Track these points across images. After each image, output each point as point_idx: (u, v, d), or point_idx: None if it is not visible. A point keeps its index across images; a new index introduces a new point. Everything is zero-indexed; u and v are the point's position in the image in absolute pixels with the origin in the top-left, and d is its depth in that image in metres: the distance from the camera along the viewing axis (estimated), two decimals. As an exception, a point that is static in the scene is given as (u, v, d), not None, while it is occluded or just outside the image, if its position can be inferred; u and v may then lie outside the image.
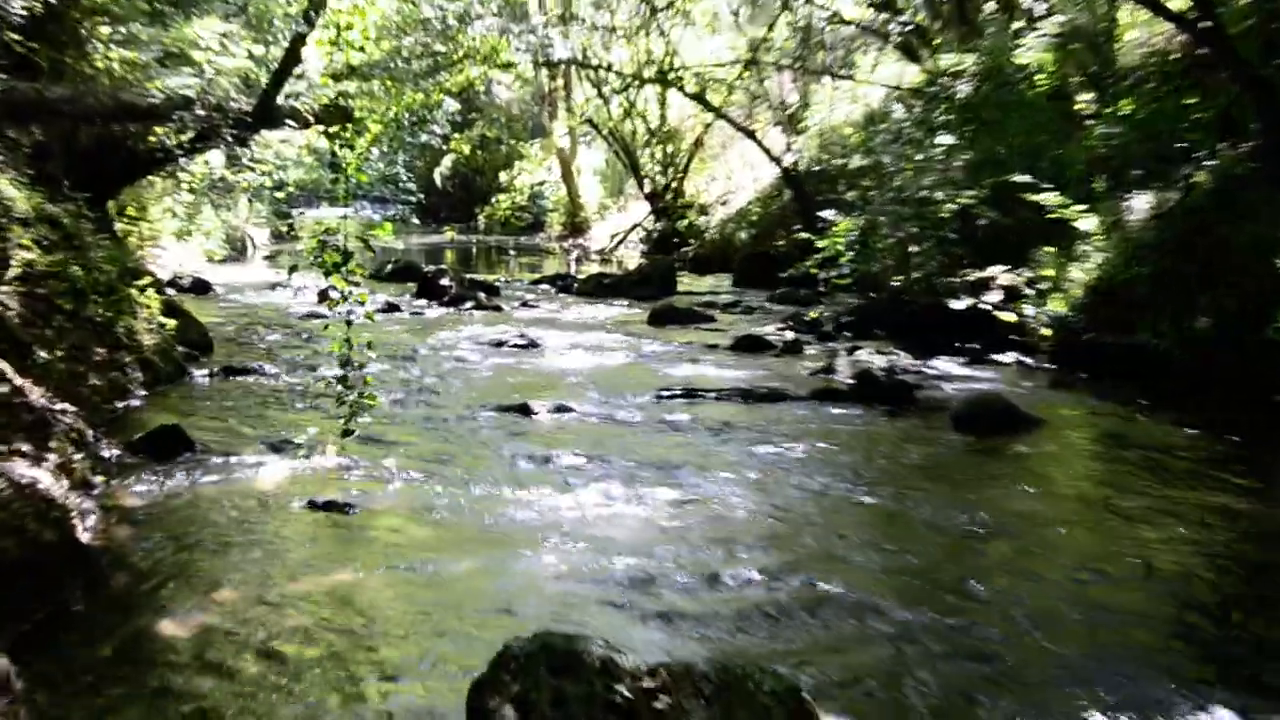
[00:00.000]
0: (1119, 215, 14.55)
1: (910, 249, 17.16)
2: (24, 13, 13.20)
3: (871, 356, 14.82)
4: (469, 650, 6.16)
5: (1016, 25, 18.45)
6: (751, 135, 30.47)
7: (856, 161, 23.66)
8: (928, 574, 7.48)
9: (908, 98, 22.24)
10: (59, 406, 8.36)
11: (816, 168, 27.96)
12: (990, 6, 20.51)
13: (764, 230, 29.16)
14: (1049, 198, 15.04)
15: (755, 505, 8.97)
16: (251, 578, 7.19)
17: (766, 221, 29.53)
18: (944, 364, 14.79)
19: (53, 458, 7.41)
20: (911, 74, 24.74)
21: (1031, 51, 17.62)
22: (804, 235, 19.75)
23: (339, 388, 9.97)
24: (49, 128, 14.75)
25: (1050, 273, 15.09)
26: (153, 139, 16.94)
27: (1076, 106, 17.22)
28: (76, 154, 15.79)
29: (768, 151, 29.38)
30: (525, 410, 12.05)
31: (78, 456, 7.85)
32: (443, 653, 6.25)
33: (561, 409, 12.15)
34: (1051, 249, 15.23)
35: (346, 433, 9.84)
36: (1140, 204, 14.41)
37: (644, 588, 7.15)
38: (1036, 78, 17.52)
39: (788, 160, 28.55)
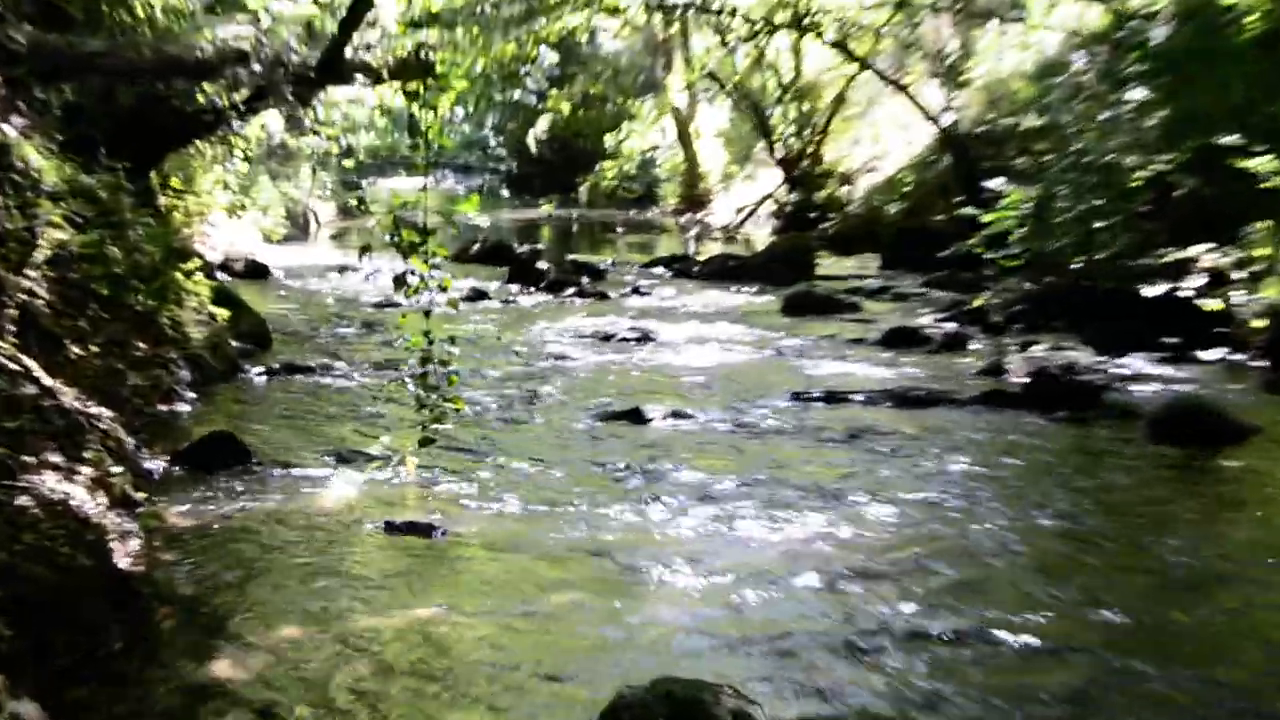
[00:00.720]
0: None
1: (1094, 225, 16.94)
2: (55, -46, 13.36)
3: (1048, 352, 14.67)
4: (575, 700, 6.13)
5: (1224, -44, 18.13)
6: (903, 90, 30.28)
7: (1029, 121, 23.41)
8: (1135, 623, 7.29)
9: (1090, 44, 21.97)
10: (94, 410, 8.43)
11: (981, 128, 27.73)
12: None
13: (918, 202, 28.96)
14: (1263, 163, 14.76)
15: (912, 532, 8.85)
16: (318, 613, 7.20)
17: (921, 192, 29.32)
18: (1135, 362, 14.59)
19: (87, 470, 7.46)
20: (1095, 16, 24.44)
21: (1242, -13, 17.33)
22: (966, 209, 19.59)
23: (418, 390, 9.99)
24: (82, 86, 14.91)
25: (1264, 253, 14.81)
26: (201, 98, 17.07)
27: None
28: (114, 117, 15.95)
29: (923, 109, 29.19)
30: (637, 417, 12.04)
31: (116, 469, 7.90)
32: (544, 703, 6.22)
33: (680, 415, 12.12)
34: (1266, 225, 14.95)
35: (426, 441, 9.84)
36: (1375, 170, 14.13)
37: (780, 631, 7.06)
38: (1247, 20, 17.21)
39: (946, 120, 28.33)
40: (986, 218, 18.13)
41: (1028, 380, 13.37)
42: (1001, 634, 7.01)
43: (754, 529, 8.83)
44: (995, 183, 19.19)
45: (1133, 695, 6.33)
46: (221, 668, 6.48)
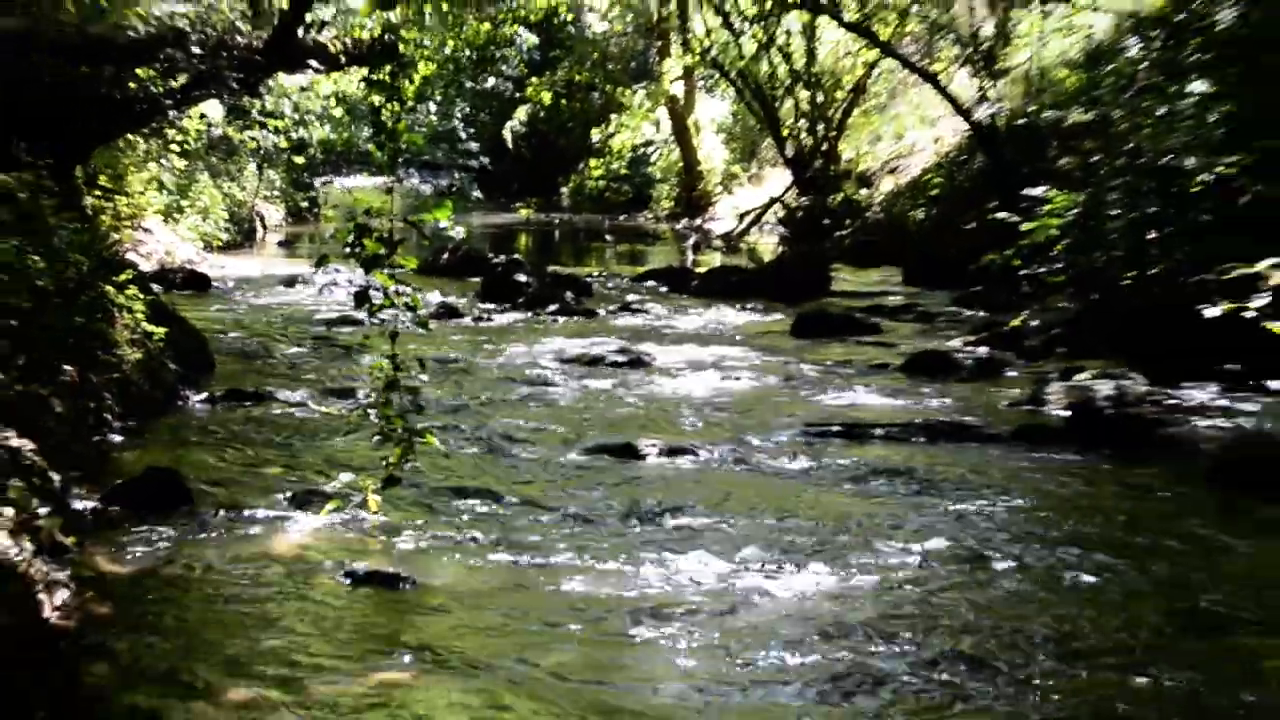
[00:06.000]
0: None
1: (1149, 235, 16.98)
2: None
3: (1094, 381, 14.70)
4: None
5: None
6: (932, 79, 30.33)
7: (1075, 116, 23.47)
8: (1175, 687, 7.37)
9: (1147, 29, 22.07)
10: (15, 443, 8.50)
11: (1020, 123, 27.79)
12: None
13: (948, 208, 29.02)
14: (1342, 166, 14.84)
15: (941, 584, 8.91)
16: (272, 676, 7.23)
17: (951, 197, 29.40)
18: (1194, 392, 14.64)
19: (9, 512, 7.52)
20: (1152, -4, 24.56)
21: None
22: (1003, 215, 19.64)
23: (382, 421, 10.05)
24: (-3, 70, 14.95)
25: (1342, 268, 14.88)
26: (133, 85, 17.08)
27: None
28: (33, 106, 15.97)
29: (953, 101, 29.23)
30: (629, 452, 12.11)
31: (42, 510, 7.96)
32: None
33: (678, 451, 12.19)
34: (1344, 236, 15.02)
35: (392, 481, 9.90)
36: None
37: (793, 697, 7.14)
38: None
39: (981, 113, 28.37)
40: (1026, 226, 18.16)
41: (1070, 413, 13.45)
42: (1036, 699, 7.09)
43: (758, 581, 8.88)
44: (1036, 187, 19.22)
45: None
46: (162, 739, 6.53)
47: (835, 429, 13.09)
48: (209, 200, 30.66)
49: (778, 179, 38.27)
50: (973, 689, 7.21)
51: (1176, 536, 10.00)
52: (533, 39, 38.22)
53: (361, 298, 9.94)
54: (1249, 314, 15.24)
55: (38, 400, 10.82)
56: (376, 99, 11.18)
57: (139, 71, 16.65)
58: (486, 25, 27.72)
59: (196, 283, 23.12)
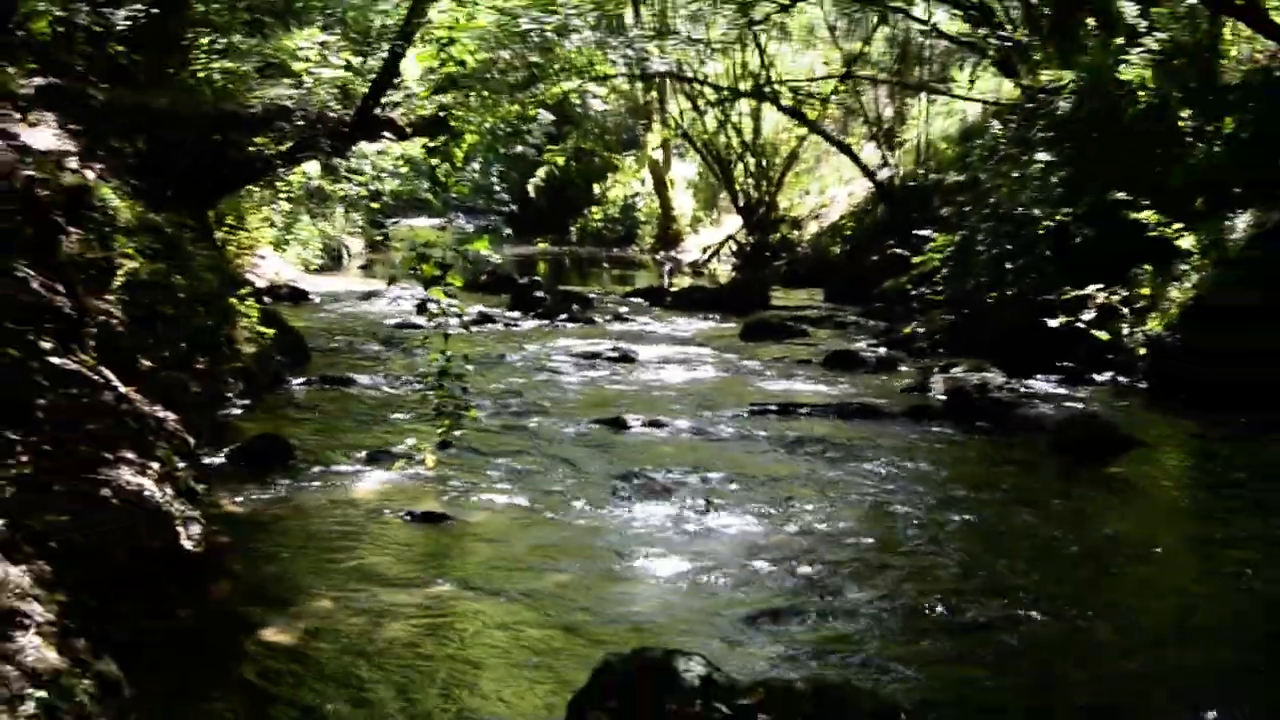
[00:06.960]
0: (1219, 235, 14.37)
1: (1006, 265, 17.01)
2: (127, 23, 13.39)
3: (965, 374, 14.70)
4: (567, 665, 6.21)
5: (1117, 41, 18.14)
6: (846, 150, 30.36)
7: (952, 177, 23.53)
8: (1029, 595, 7.42)
9: (1004, 113, 22.08)
10: (162, 415, 8.48)
11: (912, 183, 27.80)
12: (1091, 22, 20.26)
13: (858, 245, 28.98)
14: (1148, 215, 14.89)
15: (852, 522, 8.97)
16: (349, 588, 7.29)
17: (860, 236, 29.36)
18: (1039, 383, 14.62)
19: (157, 466, 7.50)
20: (1009, 89, 24.57)
21: (1132, 68, 17.35)
22: (898, 250, 19.65)
23: (436, 399, 10.08)
24: (152, 136, 14.93)
25: (1147, 291, 14.93)
26: (252, 149, 17.05)
27: (1179, 124, 16.96)
28: (178, 164, 15.96)
29: (862, 166, 29.27)
30: (620, 424, 12.09)
31: (181, 465, 7.95)
32: (540, 666, 6.29)
33: (655, 424, 12.17)
34: (1149, 268, 15.07)
35: (444, 444, 9.93)
36: (1241, 223, 14.23)
37: (745, 603, 7.19)
38: (1140, 94, 17.26)
39: (882, 175, 28.40)
40: (916, 259, 18.20)
41: (947, 397, 13.47)
42: (919, 601, 7.17)
43: (721, 519, 8.93)
44: (923, 230, 19.26)
45: (1031, 647, 6.46)
46: (270, 633, 6.57)
47: (772, 408, 13.06)
48: (307, 235, 30.66)
49: (731, 222, 38.18)
50: (875, 601, 7.26)
51: (1028, 491, 10.08)
52: (550, 116, 38.04)
53: (422, 307, 9.97)
54: (1080, 325, 15.32)
55: (179, 383, 10.82)
56: (434, 160, 11.20)
57: (256, 139, 16.62)
58: (516, 106, 27.57)
59: (297, 296, 23.03)
